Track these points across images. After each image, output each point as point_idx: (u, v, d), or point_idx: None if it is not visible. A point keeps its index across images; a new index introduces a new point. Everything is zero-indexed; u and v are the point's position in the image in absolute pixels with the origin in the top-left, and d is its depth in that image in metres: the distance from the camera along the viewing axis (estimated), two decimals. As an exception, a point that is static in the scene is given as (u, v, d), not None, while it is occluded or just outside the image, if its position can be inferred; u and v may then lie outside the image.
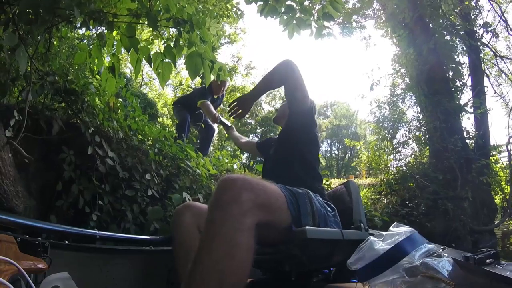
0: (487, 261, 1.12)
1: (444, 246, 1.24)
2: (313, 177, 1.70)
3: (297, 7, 2.44)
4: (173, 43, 1.95)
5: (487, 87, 7.55)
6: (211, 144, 4.53)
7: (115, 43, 2.06)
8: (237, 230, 1.00)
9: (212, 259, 0.96)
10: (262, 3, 2.51)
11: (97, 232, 1.64)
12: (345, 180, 1.99)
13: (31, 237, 1.27)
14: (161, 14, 1.91)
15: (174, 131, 4.31)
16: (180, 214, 1.58)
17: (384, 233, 1.26)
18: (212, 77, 1.91)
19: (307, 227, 1.24)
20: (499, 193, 7.05)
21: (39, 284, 1.10)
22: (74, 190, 2.08)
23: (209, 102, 3.85)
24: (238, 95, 14.90)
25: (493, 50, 8.39)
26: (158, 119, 11.99)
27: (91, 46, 2.14)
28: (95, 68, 2.33)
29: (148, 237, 1.97)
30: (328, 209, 1.54)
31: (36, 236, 1.34)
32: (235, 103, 1.88)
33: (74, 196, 2.09)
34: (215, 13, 5.56)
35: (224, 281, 0.94)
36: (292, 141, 1.78)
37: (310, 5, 2.48)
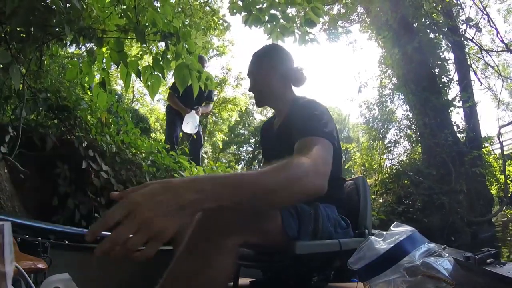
0: (488, 261, 1.10)
1: (445, 245, 1.23)
2: (331, 185, 1.29)
3: (280, 15, 2.52)
4: (160, 55, 2.01)
5: (474, 80, 7.72)
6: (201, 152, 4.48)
7: (104, 59, 2.11)
8: (216, 251, 0.96)
9: (183, 273, 0.94)
10: (245, 13, 2.59)
11: None
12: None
13: (31, 237, 1.27)
14: (149, 28, 1.97)
15: (164, 140, 4.30)
16: None
17: (384, 232, 1.24)
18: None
19: (298, 242, 1.15)
20: (495, 184, 7.16)
21: (39, 284, 1.10)
22: (70, 205, 2.11)
23: (173, 95, 3.93)
24: (230, 106, 14.94)
25: (478, 44, 8.59)
26: (151, 134, 12.02)
27: (81, 64, 2.18)
28: (86, 85, 2.38)
29: None
30: (343, 224, 1.38)
31: (36, 236, 1.33)
32: None
33: (70, 210, 2.11)
34: (202, 26, 5.68)
35: None
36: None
37: (292, 13, 2.56)
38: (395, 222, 1.32)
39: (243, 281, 1.70)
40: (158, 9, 2.32)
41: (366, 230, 1.47)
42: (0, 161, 1.86)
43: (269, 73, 1.45)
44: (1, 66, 1.81)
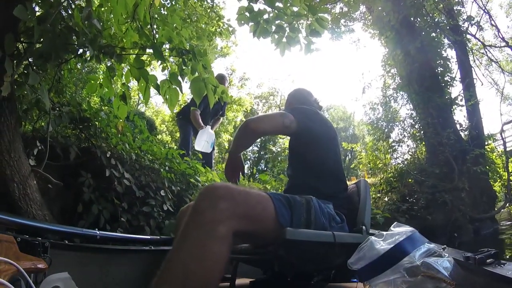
0: (488, 261, 1.11)
1: (445, 246, 1.23)
2: (320, 180, 1.59)
3: (286, 26, 2.63)
4: (173, 64, 2.13)
5: (476, 79, 7.78)
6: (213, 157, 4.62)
7: (124, 74, 2.23)
8: (209, 237, 1.00)
9: (179, 260, 0.98)
10: (253, 23, 2.71)
11: (97, 232, 1.67)
12: (356, 180, 1.94)
13: (31, 237, 1.28)
14: (165, 45, 2.09)
15: (177, 147, 4.43)
16: (183, 214, 1.63)
17: (384, 232, 1.25)
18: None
19: (288, 228, 1.20)
20: (498, 181, 7.19)
21: (39, 284, 1.12)
22: (95, 211, 2.24)
23: (198, 112, 4.04)
24: (235, 107, 15.07)
25: (480, 40, 8.64)
26: (158, 136, 12.14)
27: (101, 79, 2.31)
28: (106, 96, 2.51)
29: (148, 237, 2.03)
30: (337, 218, 1.45)
31: (36, 236, 1.34)
32: (229, 172, 1.80)
33: (95, 216, 2.24)
34: (208, 32, 5.80)
35: (187, 283, 0.95)
36: (293, 145, 1.77)
37: (298, 24, 2.67)
38: (395, 222, 1.33)
39: (243, 281, 1.76)
40: (167, 19, 2.46)
41: (364, 227, 1.49)
42: (30, 174, 1.99)
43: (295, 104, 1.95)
44: (20, 79, 1.94)
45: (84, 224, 2.22)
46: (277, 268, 1.48)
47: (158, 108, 16.89)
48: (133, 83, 2.21)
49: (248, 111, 16.17)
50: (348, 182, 1.80)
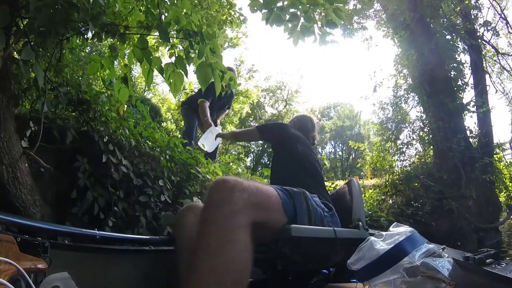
0: (487, 261, 1.13)
1: (444, 246, 1.24)
2: (307, 177, 1.76)
3: (301, 15, 2.49)
4: (180, 50, 2.01)
5: (489, 85, 7.60)
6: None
7: (126, 54, 2.11)
8: (229, 228, 1.01)
9: (207, 257, 0.97)
10: (266, 11, 2.57)
11: (97, 232, 1.63)
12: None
13: (31, 237, 1.27)
14: (172, 27, 1.97)
15: (181, 135, 4.32)
16: (183, 215, 1.62)
17: (384, 233, 1.27)
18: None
19: (292, 225, 1.24)
20: (504, 191, 7.09)
21: (39, 284, 1.11)
22: (89, 197, 2.13)
23: (207, 105, 3.87)
24: (242, 98, 14.96)
25: (495, 47, 8.45)
26: (163, 124, 12.06)
27: (102, 59, 2.19)
28: (107, 78, 2.39)
29: (148, 237, 1.99)
30: (326, 209, 1.54)
31: (36, 236, 1.33)
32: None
33: (89, 203, 2.13)
34: (219, 19, 5.66)
35: (221, 278, 0.95)
36: (278, 143, 2.06)
37: (313, 13, 2.52)
38: (394, 223, 1.34)
39: None
40: (176, 3, 2.33)
41: (360, 223, 1.54)
42: (21, 156, 1.88)
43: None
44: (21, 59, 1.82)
45: (78, 211, 2.12)
46: (279, 267, 1.49)
47: (164, 95, 16.77)
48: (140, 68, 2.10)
49: (255, 104, 16.04)
50: (341, 182, 1.86)
